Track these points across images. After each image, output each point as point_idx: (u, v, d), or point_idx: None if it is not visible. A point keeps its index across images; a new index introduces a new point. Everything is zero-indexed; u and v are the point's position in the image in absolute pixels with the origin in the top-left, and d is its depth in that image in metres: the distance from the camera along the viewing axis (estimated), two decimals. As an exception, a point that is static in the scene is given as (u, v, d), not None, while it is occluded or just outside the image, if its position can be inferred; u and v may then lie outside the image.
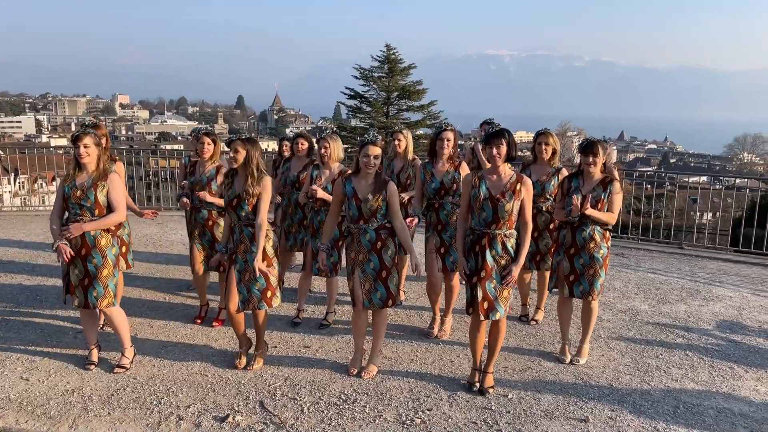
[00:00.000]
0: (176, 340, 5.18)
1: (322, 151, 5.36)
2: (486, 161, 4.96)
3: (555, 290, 4.95)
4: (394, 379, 4.51)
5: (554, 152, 5.46)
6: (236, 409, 4.04)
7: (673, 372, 4.79)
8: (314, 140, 6.12)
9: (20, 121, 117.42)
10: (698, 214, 21.33)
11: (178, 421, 3.87)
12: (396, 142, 5.84)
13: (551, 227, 5.49)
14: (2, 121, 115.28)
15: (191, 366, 4.67)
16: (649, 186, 12.15)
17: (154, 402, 4.11)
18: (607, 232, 4.70)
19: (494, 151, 4.08)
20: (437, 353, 4.99)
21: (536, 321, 5.75)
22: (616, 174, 4.94)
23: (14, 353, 4.83)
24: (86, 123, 4.52)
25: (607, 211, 4.59)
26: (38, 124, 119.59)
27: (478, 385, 4.37)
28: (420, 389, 4.36)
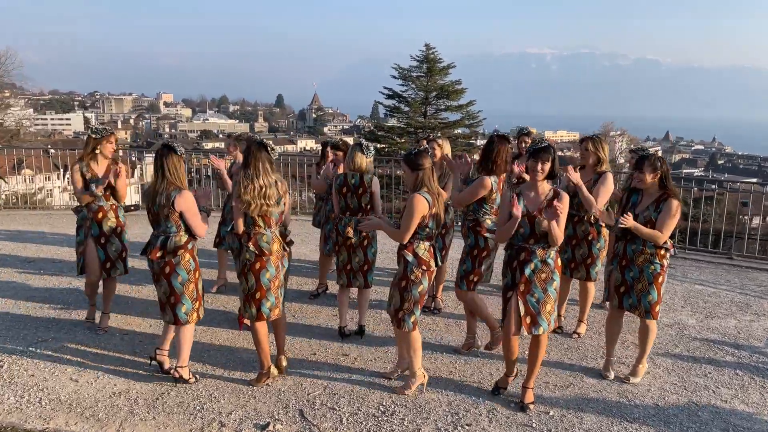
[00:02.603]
0: (218, 344, 5.27)
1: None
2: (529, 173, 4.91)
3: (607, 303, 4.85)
4: (433, 391, 4.48)
5: (599, 159, 5.34)
6: (276, 417, 4.08)
7: (722, 392, 4.63)
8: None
9: (69, 119, 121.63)
10: (747, 218, 20.59)
11: (220, 428, 3.94)
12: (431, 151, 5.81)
13: (590, 238, 5.38)
14: (53, 119, 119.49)
15: (233, 372, 4.74)
16: (695, 189, 11.79)
17: (197, 407, 4.19)
18: (662, 249, 4.47)
19: (539, 166, 4.03)
20: (476, 366, 4.95)
21: (578, 334, 5.63)
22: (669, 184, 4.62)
23: (65, 354, 4.99)
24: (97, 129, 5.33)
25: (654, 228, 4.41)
26: (86, 121, 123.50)
27: (503, 391, 4.42)
28: (459, 403, 4.32)
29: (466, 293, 4.94)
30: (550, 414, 4.20)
